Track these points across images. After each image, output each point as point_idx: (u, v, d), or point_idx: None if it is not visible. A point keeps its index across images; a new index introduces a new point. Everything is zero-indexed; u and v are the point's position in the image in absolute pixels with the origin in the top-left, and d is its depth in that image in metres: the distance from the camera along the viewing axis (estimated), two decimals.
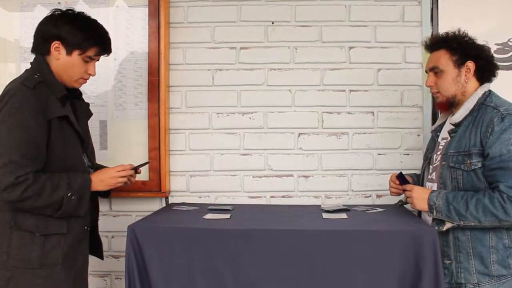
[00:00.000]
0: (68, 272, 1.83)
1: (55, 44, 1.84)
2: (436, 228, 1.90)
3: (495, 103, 1.90)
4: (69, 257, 1.83)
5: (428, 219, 1.98)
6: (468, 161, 1.87)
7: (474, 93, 1.95)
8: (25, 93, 1.74)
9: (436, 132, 2.12)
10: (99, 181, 1.89)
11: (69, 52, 1.86)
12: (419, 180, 2.22)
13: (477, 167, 1.86)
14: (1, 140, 1.71)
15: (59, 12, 1.88)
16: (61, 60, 1.86)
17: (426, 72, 2.08)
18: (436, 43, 2.04)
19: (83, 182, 1.83)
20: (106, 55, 1.99)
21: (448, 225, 1.88)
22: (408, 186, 2.03)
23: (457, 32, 2.01)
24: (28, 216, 1.77)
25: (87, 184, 1.84)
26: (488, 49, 2.01)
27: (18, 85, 1.76)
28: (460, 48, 1.96)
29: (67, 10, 1.90)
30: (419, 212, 2.12)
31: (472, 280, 1.86)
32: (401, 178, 2.12)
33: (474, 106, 1.93)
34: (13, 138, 1.70)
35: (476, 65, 1.95)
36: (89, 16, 1.94)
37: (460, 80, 1.96)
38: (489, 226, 1.82)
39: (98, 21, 1.96)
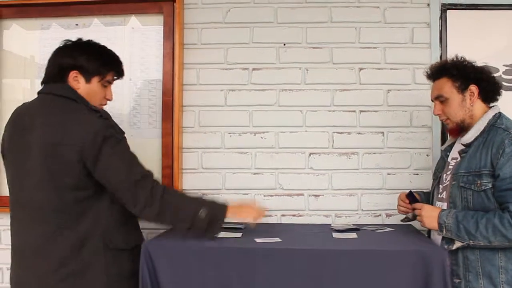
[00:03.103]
0: None
1: (74, 74, 1.88)
2: (446, 246, 1.90)
3: (506, 125, 1.92)
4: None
5: (438, 238, 1.98)
6: (479, 182, 1.88)
7: (485, 115, 1.97)
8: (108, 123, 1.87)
9: (446, 152, 2.14)
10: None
11: (88, 80, 1.91)
12: (427, 198, 2.23)
13: (487, 187, 1.86)
14: (125, 161, 1.86)
15: (71, 43, 1.94)
16: (81, 88, 1.90)
17: (432, 101, 2.10)
18: (437, 72, 2.07)
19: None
20: (121, 78, 2.06)
21: (457, 244, 1.89)
22: (417, 205, 2.04)
23: (455, 58, 2.04)
24: (117, 235, 1.88)
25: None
26: (488, 70, 2.03)
27: (98, 120, 1.83)
28: (460, 73, 1.98)
29: (78, 40, 1.95)
30: (429, 232, 2.14)
31: None
32: (411, 197, 2.13)
33: (484, 127, 1.95)
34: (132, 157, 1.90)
35: (478, 87, 1.97)
36: (99, 42, 2.00)
37: (466, 105, 1.98)
38: (499, 246, 1.83)
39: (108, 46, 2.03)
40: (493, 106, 2.02)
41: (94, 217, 1.83)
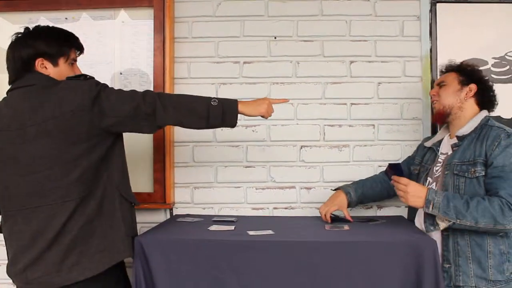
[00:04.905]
0: None
1: (39, 62, 1.84)
2: (432, 228, 1.99)
3: (498, 124, 2.07)
4: None
5: (420, 221, 2.08)
6: (472, 169, 1.99)
7: (479, 114, 2.12)
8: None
9: (436, 147, 2.22)
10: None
11: (55, 63, 1.87)
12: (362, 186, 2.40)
13: (480, 175, 1.97)
14: (123, 92, 1.88)
15: (22, 34, 1.87)
16: (51, 74, 1.86)
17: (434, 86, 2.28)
18: (450, 68, 2.24)
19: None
20: (82, 52, 2.01)
21: (443, 225, 1.95)
22: (403, 180, 2.01)
23: (469, 63, 2.22)
24: (129, 188, 1.98)
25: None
26: (490, 80, 2.21)
27: (83, 81, 1.83)
28: (466, 72, 2.16)
29: (26, 29, 1.89)
30: (411, 218, 2.23)
31: (470, 283, 1.94)
32: (397, 170, 2.06)
33: (478, 125, 2.08)
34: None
35: (477, 88, 2.12)
36: (47, 25, 1.96)
37: (460, 95, 2.13)
38: (483, 228, 1.89)
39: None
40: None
41: (109, 176, 1.87)
